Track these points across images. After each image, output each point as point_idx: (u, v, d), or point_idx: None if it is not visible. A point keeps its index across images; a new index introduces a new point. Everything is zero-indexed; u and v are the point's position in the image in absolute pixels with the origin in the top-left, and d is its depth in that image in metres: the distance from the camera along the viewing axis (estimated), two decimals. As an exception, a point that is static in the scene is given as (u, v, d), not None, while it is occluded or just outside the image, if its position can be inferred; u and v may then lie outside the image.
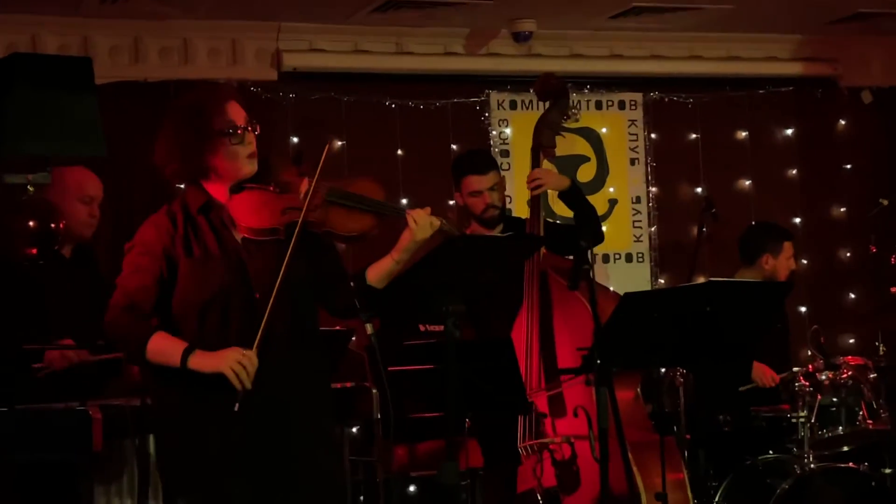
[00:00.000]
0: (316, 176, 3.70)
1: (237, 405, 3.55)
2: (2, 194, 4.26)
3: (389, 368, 4.98)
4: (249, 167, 3.74)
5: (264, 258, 3.70)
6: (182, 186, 3.93)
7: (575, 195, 5.45)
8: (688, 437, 5.47)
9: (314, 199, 3.70)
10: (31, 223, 4.64)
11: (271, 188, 3.75)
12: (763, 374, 5.94)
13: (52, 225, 4.67)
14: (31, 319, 4.80)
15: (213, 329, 3.66)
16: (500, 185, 5.52)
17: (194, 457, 3.64)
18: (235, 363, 3.55)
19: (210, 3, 6.50)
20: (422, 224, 3.85)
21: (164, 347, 3.62)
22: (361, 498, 5.90)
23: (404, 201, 6.77)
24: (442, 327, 3.96)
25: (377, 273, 3.90)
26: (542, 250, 5.31)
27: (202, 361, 3.60)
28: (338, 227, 3.82)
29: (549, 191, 5.54)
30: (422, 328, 5.70)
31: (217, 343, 3.62)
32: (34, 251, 4.65)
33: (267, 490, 3.64)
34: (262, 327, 3.59)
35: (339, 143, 7.11)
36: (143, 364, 3.68)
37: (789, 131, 7.91)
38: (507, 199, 6.91)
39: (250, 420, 3.60)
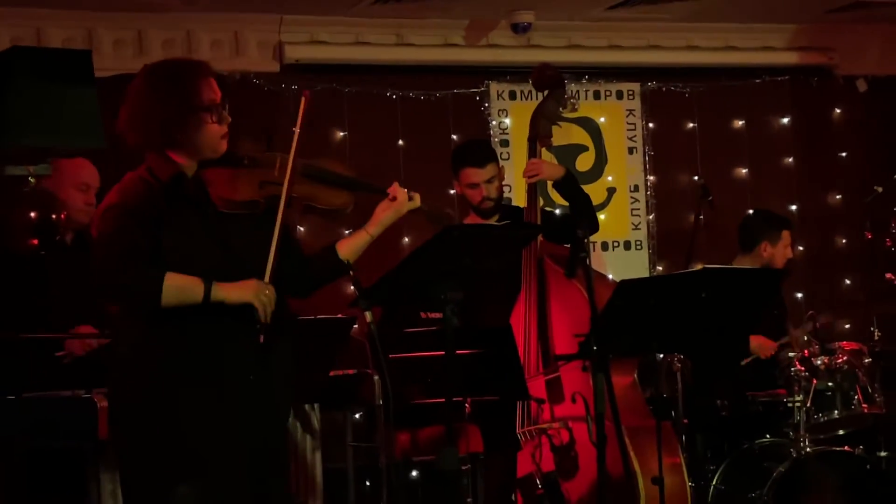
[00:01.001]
0: (295, 139, 3.65)
1: (262, 336, 3.50)
2: (3, 186, 4.27)
3: (391, 356, 5.00)
4: (222, 147, 3.65)
5: (245, 231, 3.62)
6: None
7: (570, 185, 5.46)
8: (685, 421, 5.48)
9: (293, 172, 3.63)
10: (32, 214, 4.64)
11: (245, 161, 3.68)
12: (762, 346, 5.96)
13: (54, 216, 4.67)
14: (38, 308, 4.82)
15: (200, 319, 3.54)
16: (498, 177, 5.52)
17: (191, 443, 3.52)
18: (263, 294, 3.50)
19: (213, -4, 6.52)
20: (401, 199, 3.84)
21: (182, 283, 3.47)
22: (366, 483, 5.91)
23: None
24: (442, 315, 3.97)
25: (349, 247, 3.86)
26: (540, 238, 5.32)
27: (228, 292, 3.49)
28: (320, 200, 3.77)
29: (546, 180, 5.55)
30: (423, 316, 5.69)
31: (203, 319, 3.53)
32: (35, 242, 4.65)
33: (259, 472, 3.59)
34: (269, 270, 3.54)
35: (341, 133, 7.13)
36: (156, 308, 3.47)
37: (785, 120, 7.90)
38: (507, 189, 6.91)
39: (241, 402, 3.55)
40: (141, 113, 3.57)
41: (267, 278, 3.55)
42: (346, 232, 5.19)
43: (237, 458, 3.54)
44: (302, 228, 6.45)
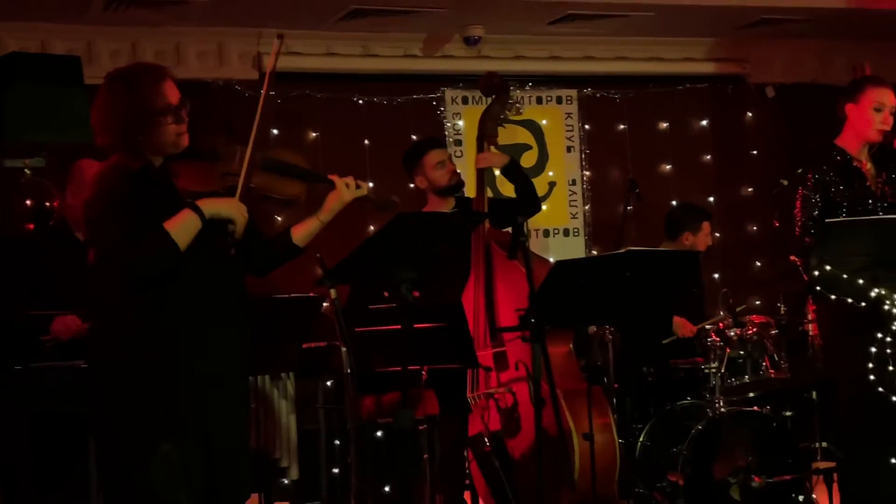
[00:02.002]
0: (252, 138, 3.56)
1: (233, 250, 3.46)
2: (1, 177, 4.22)
3: (357, 329, 4.97)
4: (182, 143, 3.54)
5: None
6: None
7: (515, 170, 5.44)
8: (615, 386, 5.48)
9: (251, 163, 3.56)
10: (28, 202, 4.59)
11: (207, 155, 3.60)
12: (682, 327, 5.97)
13: (47, 203, 4.62)
14: (35, 287, 4.76)
15: (173, 287, 3.45)
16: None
17: (169, 393, 3.42)
18: (241, 211, 3.46)
19: (199, 12, 6.45)
20: (350, 188, 3.77)
21: (179, 222, 3.37)
22: (336, 442, 5.89)
23: (371, 184, 6.73)
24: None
25: (301, 232, 3.78)
26: (487, 226, 5.31)
27: (215, 206, 3.43)
28: (276, 191, 3.71)
29: (495, 172, 5.53)
30: (386, 294, 5.67)
31: (177, 303, 3.45)
32: (31, 227, 4.60)
33: (232, 434, 3.54)
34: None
35: (314, 134, 7.10)
36: (182, 257, 3.37)
37: (704, 122, 7.93)
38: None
39: (210, 371, 3.47)
40: (104, 116, 3.49)
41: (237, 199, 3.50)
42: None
43: (208, 418, 3.46)
44: (279, 218, 6.42)
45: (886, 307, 4.05)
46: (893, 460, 4.08)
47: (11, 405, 4.48)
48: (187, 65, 6.75)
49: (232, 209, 3.46)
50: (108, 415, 3.44)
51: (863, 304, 4.08)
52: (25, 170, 3.83)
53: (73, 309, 4.64)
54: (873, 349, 4.06)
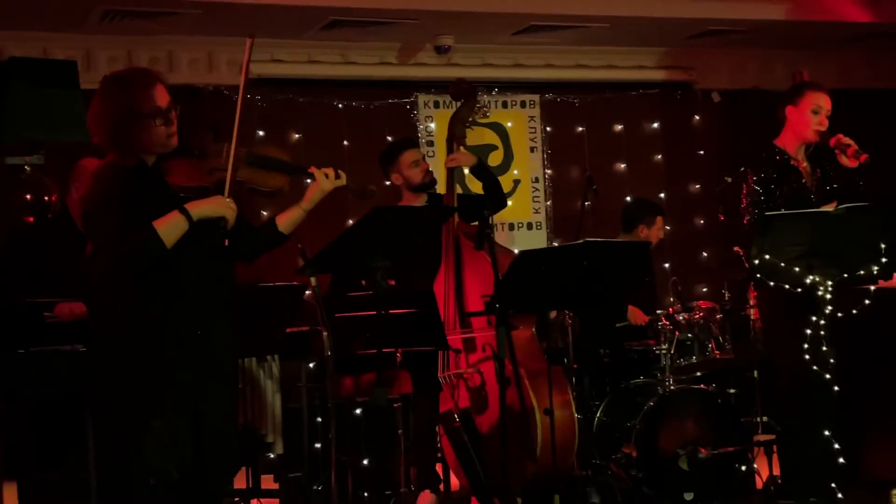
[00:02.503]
0: (234, 134, 3.53)
1: (226, 241, 3.43)
2: (3, 174, 4.18)
3: (337, 315, 4.96)
4: (172, 143, 3.53)
5: None
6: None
7: (482, 170, 5.43)
8: (574, 366, 5.48)
9: (237, 159, 3.54)
10: (28, 196, 4.55)
11: (196, 153, 3.60)
12: (635, 315, 5.97)
13: (46, 197, 4.58)
14: (35, 278, 4.72)
15: (167, 278, 3.45)
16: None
17: (160, 374, 3.41)
18: (229, 206, 3.43)
19: (190, 22, 6.41)
20: (329, 178, 3.74)
21: (167, 222, 3.36)
22: (318, 419, 5.87)
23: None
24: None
25: (286, 221, 3.77)
26: (456, 220, 5.30)
27: (203, 207, 3.41)
28: (260, 183, 3.69)
29: (464, 171, 5.52)
30: (364, 283, 5.66)
31: (170, 292, 3.44)
32: (31, 219, 4.56)
33: (222, 410, 3.55)
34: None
35: (297, 135, 7.08)
36: (167, 253, 3.35)
37: (655, 125, 7.95)
38: (431, 178, 6.91)
39: (202, 353, 3.46)
40: (98, 117, 3.47)
41: (226, 195, 3.48)
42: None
43: (200, 398, 3.46)
44: (265, 214, 6.38)
45: (820, 293, 4.07)
46: (826, 432, 4.10)
47: (14, 387, 4.43)
48: (179, 71, 6.72)
49: (219, 207, 3.44)
50: (106, 394, 3.45)
51: (799, 290, 4.10)
52: (25, 167, 3.78)
53: (72, 297, 4.61)
54: (808, 331, 4.09)
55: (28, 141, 3.65)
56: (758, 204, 4.68)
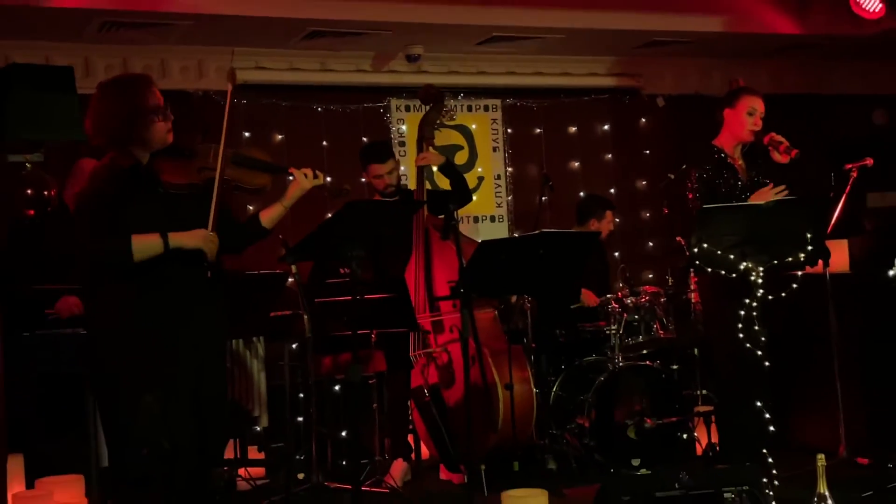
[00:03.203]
0: (223, 139, 3.54)
1: (209, 272, 3.41)
2: (6, 170, 4.13)
3: (316, 300, 4.94)
4: (169, 139, 3.53)
5: (189, 206, 3.52)
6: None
7: (450, 168, 5.42)
8: (533, 346, 5.50)
9: (224, 158, 3.54)
10: (29, 191, 4.50)
11: (186, 153, 3.60)
12: (588, 297, 5.99)
13: (45, 192, 4.53)
14: (37, 267, 4.67)
15: (160, 271, 3.44)
16: (396, 168, 5.46)
17: (152, 355, 3.39)
18: (209, 240, 3.41)
19: (181, 33, 6.34)
20: (308, 177, 3.74)
21: (144, 240, 3.35)
22: (300, 395, 5.85)
23: (329, 179, 6.68)
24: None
25: (268, 216, 3.77)
26: (426, 213, 5.29)
27: (182, 239, 3.39)
28: (245, 182, 3.69)
29: (434, 169, 5.50)
30: (342, 271, 5.64)
31: (162, 283, 3.41)
32: (32, 212, 4.51)
33: (203, 385, 3.52)
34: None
35: (280, 136, 7.03)
36: (130, 265, 3.34)
37: (606, 126, 7.95)
38: (403, 177, 6.89)
39: (189, 333, 3.45)
40: (100, 119, 3.44)
41: (210, 228, 3.45)
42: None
43: (187, 374, 3.45)
44: (251, 208, 6.34)
45: (752, 277, 4.09)
46: (758, 403, 4.13)
47: (21, 366, 4.39)
48: (171, 77, 6.64)
49: (199, 242, 3.42)
50: (104, 373, 3.44)
51: (734, 275, 4.12)
52: (26, 164, 3.75)
53: (70, 284, 4.56)
54: (742, 313, 4.10)
55: (28, 140, 3.61)
56: (699, 199, 4.70)
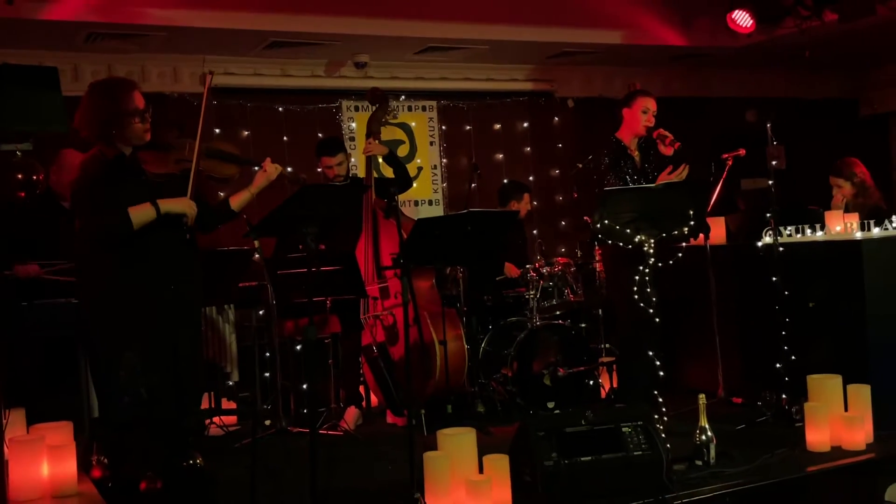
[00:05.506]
0: (198, 135, 3.53)
1: (188, 234, 3.45)
2: (-3, 158, 4.04)
3: (279, 272, 4.88)
4: (146, 137, 3.52)
5: (169, 192, 3.50)
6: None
7: (392, 158, 5.40)
8: (465, 308, 5.51)
9: (199, 151, 3.54)
10: (19, 175, 4.39)
11: (164, 146, 3.58)
12: (510, 270, 6.01)
13: (34, 177, 4.43)
14: (29, 244, 4.54)
15: (141, 245, 3.42)
16: (345, 160, 5.41)
17: (132, 318, 3.37)
18: (191, 206, 3.46)
19: (158, 43, 6.20)
20: (272, 169, 3.76)
21: (140, 209, 3.37)
22: (266, 354, 5.79)
23: (290, 168, 6.60)
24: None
25: (237, 201, 3.78)
26: (373, 197, 5.25)
27: (171, 205, 3.42)
28: (216, 172, 3.69)
29: (378, 157, 5.46)
30: (300, 247, 5.58)
31: (143, 257, 3.38)
32: (22, 195, 4.40)
33: (179, 340, 3.48)
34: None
35: (246, 132, 6.92)
36: (132, 232, 3.35)
37: (525, 124, 7.97)
38: (354, 168, 6.84)
39: (168, 299, 3.41)
40: (88, 116, 3.43)
41: (189, 196, 3.47)
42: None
43: (165, 335, 3.41)
44: (222, 194, 6.23)
45: (645, 248, 4.14)
46: (650, 353, 4.19)
47: (21, 331, 4.29)
48: (150, 81, 6.50)
49: (183, 207, 3.44)
50: (92, 335, 3.44)
51: (630, 246, 4.16)
52: (17, 152, 3.67)
53: (60, 259, 4.46)
54: (637, 278, 4.15)
55: (18, 131, 3.52)
56: (603, 183, 4.73)
